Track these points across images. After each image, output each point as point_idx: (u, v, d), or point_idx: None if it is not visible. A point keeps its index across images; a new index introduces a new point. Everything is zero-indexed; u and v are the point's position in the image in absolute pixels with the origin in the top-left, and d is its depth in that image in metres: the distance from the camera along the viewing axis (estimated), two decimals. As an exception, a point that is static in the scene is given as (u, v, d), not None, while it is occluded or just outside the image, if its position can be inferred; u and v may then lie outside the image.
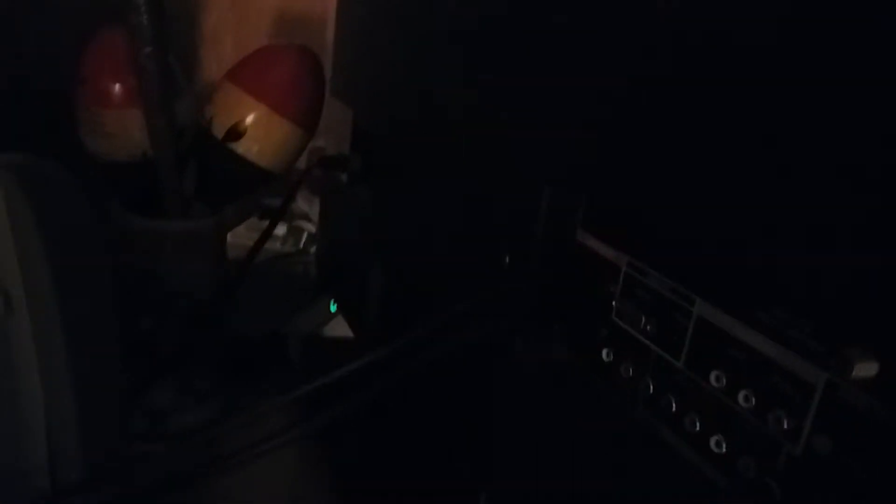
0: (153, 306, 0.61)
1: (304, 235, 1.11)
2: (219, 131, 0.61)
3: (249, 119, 0.61)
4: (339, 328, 0.87)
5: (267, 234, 0.73)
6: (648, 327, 0.35)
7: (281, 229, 1.06)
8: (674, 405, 0.33)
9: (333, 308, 0.88)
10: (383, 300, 0.71)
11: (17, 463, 0.44)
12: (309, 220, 1.13)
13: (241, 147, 0.61)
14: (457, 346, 0.41)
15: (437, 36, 0.57)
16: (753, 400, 0.29)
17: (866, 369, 0.25)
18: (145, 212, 0.60)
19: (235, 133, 0.61)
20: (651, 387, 0.34)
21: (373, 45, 0.69)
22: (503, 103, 0.47)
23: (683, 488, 0.32)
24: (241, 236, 0.92)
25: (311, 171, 0.73)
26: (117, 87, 0.59)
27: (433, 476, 0.51)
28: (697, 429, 0.31)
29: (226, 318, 0.71)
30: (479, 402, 0.47)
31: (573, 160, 0.40)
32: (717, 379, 0.30)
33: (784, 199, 0.28)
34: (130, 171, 0.61)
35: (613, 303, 0.37)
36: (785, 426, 0.27)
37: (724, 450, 0.30)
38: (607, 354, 0.37)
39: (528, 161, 0.44)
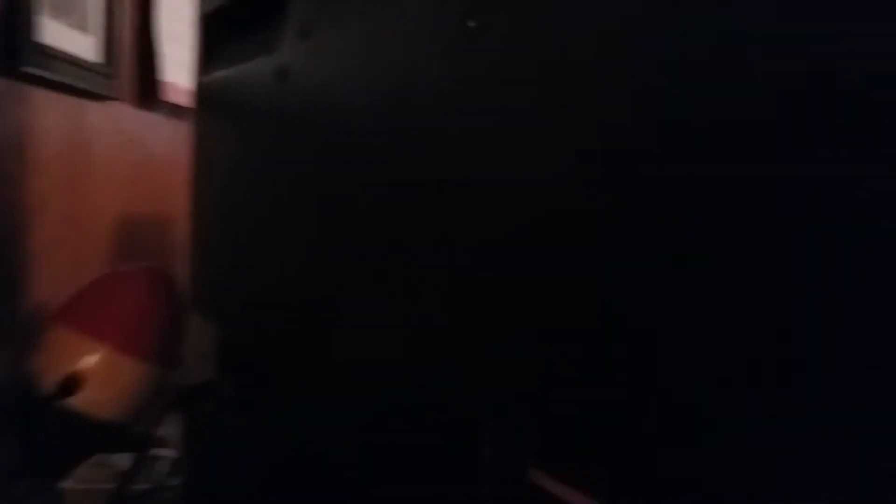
0: None
1: (166, 466, 0.96)
2: (49, 385, 0.49)
3: (88, 365, 0.50)
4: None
5: (121, 497, 0.60)
6: None
7: (126, 461, 0.91)
8: None
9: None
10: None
11: None
12: (166, 445, 0.97)
13: (79, 401, 0.50)
14: None
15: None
16: None
17: None
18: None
19: (70, 385, 0.49)
20: None
21: (245, 248, 0.61)
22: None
23: None
24: (82, 480, 0.77)
25: (170, 409, 0.61)
26: None
27: None
28: None
29: None
30: None
31: (517, 380, 0.34)
32: None
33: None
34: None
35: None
36: None
37: None
38: None
39: (458, 385, 0.37)
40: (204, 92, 0.67)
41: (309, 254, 0.51)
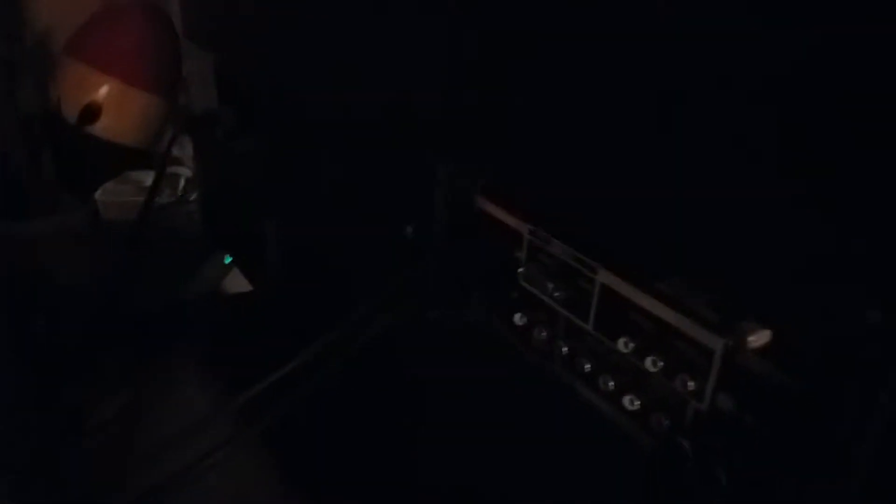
0: (45, 307, 0.58)
1: (182, 182, 1.06)
2: (72, 115, 0.56)
3: (102, 96, 0.56)
4: (237, 283, 0.85)
5: (148, 206, 0.69)
6: (556, 293, 0.36)
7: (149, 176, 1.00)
8: (588, 366, 0.35)
9: (228, 260, 0.86)
10: (281, 251, 0.70)
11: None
12: (182, 164, 1.07)
13: (99, 128, 0.56)
14: (377, 331, 0.41)
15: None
16: (661, 364, 0.31)
17: (760, 338, 0.27)
18: (10, 214, 0.55)
19: (90, 114, 0.56)
20: (565, 349, 0.37)
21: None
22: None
23: (601, 441, 0.35)
24: (109, 193, 0.87)
25: (179, 137, 0.68)
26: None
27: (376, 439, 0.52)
28: (612, 388, 0.34)
29: (123, 298, 0.68)
30: (411, 371, 0.49)
31: (466, 132, 0.40)
32: (626, 344, 0.33)
33: (682, 176, 0.29)
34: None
35: (520, 269, 0.38)
36: (690, 386, 0.30)
37: (637, 406, 0.33)
38: (520, 318, 0.39)
39: (422, 131, 0.43)
40: None
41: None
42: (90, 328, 0.65)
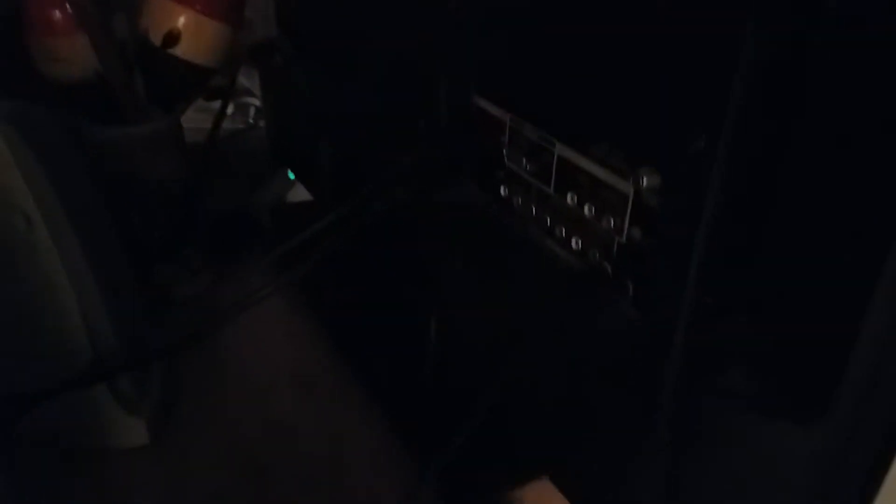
0: (138, 202, 0.71)
1: (252, 110, 1.18)
2: (156, 39, 0.68)
3: (181, 24, 0.67)
4: (300, 193, 0.98)
5: (219, 119, 0.81)
6: (528, 166, 0.46)
7: (229, 108, 1.13)
8: (549, 221, 0.45)
9: (291, 177, 0.98)
10: (333, 166, 0.81)
11: (63, 346, 0.56)
12: (253, 94, 1.19)
13: (179, 50, 0.68)
14: (394, 202, 0.52)
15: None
16: (594, 209, 0.41)
17: (653, 181, 0.36)
18: (109, 123, 0.68)
19: (171, 39, 0.67)
20: (534, 210, 0.46)
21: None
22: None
23: (559, 276, 0.45)
24: (190, 119, 1.00)
25: (241, 64, 0.80)
26: (58, 15, 0.64)
27: (395, 300, 0.64)
28: (564, 235, 0.44)
29: (201, 200, 0.81)
30: (421, 243, 0.60)
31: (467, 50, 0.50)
32: (572, 199, 0.42)
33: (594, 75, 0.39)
34: (87, 89, 0.68)
35: (504, 150, 0.48)
36: (613, 225, 0.40)
37: (580, 246, 0.43)
38: (504, 191, 0.49)
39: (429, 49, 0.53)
40: None
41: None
42: (174, 223, 0.79)
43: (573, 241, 0.43)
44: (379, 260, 0.64)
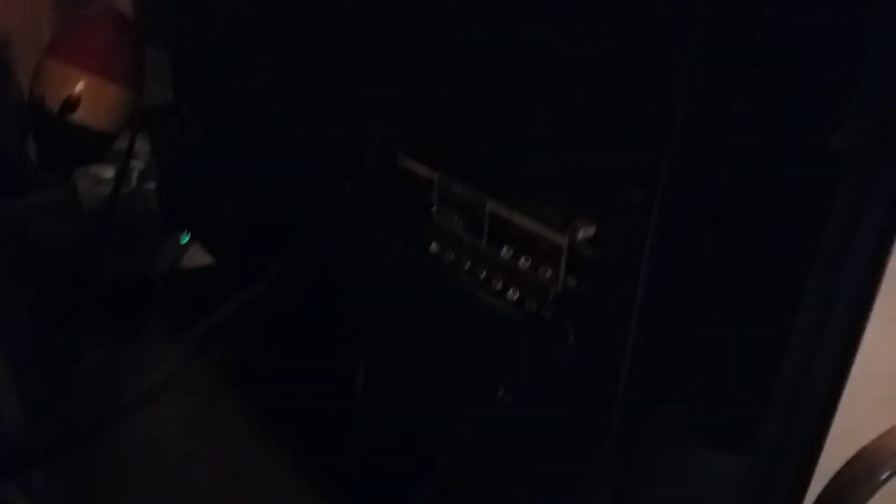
0: (35, 273, 0.67)
1: (136, 173, 1.14)
2: (54, 106, 0.65)
3: (80, 89, 0.66)
4: (198, 257, 0.95)
5: (119, 185, 0.79)
6: (459, 222, 0.48)
7: (109, 172, 1.09)
8: (483, 274, 0.47)
9: (186, 239, 0.96)
10: (240, 227, 0.80)
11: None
12: (135, 156, 1.15)
13: (78, 116, 0.66)
14: (320, 263, 0.53)
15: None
16: (529, 262, 0.44)
17: (588, 233, 0.40)
18: (5, 193, 0.64)
19: (70, 105, 0.65)
20: (468, 264, 0.49)
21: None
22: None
23: (498, 328, 0.47)
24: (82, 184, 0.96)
25: (140, 128, 0.78)
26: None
27: (320, 359, 0.64)
28: (500, 287, 0.46)
29: (98, 268, 0.77)
30: (349, 297, 0.60)
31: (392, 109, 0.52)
32: (507, 252, 0.45)
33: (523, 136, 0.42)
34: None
35: (433, 207, 0.50)
36: (549, 275, 0.42)
37: (517, 297, 0.45)
38: (435, 246, 0.51)
39: (353, 108, 0.55)
40: None
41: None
42: (72, 293, 0.75)
43: (510, 291, 0.46)
44: (305, 322, 0.64)
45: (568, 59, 0.38)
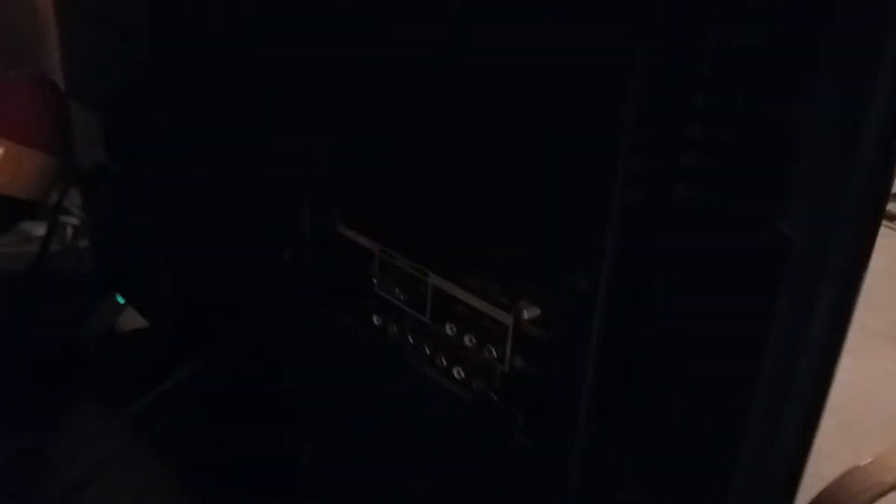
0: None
1: (69, 230, 1.10)
2: (-32, 175, 0.62)
3: (-1, 157, 0.62)
4: (132, 320, 0.91)
5: (45, 249, 0.75)
6: (402, 296, 0.46)
7: (40, 229, 1.04)
8: (427, 350, 0.45)
9: (121, 300, 0.91)
10: (175, 292, 0.77)
11: None
12: (69, 213, 1.10)
13: (-3, 184, 0.63)
14: (259, 339, 0.50)
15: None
16: (475, 340, 0.42)
17: (533, 313, 0.38)
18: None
19: (-14, 173, 0.62)
20: (411, 340, 0.47)
21: (111, 44, 0.70)
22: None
23: (443, 406, 0.45)
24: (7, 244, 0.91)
25: (70, 186, 0.74)
26: None
27: (264, 439, 0.61)
28: (445, 364, 0.44)
29: (23, 335, 0.72)
30: (292, 372, 0.57)
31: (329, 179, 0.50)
32: (451, 329, 0.43)
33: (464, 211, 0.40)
34: None
35: (374, 280, 0.48)
36: (495, 354, 0.41)
37: (463, 376, 0.43)
38: (377, 320, 0.49)
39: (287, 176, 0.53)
40: None
41: (168, 45, 0.62)
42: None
43: (455, 370, 0.44)
44: (245, 398, 0.60)
45: (505, 142, 0.37)
